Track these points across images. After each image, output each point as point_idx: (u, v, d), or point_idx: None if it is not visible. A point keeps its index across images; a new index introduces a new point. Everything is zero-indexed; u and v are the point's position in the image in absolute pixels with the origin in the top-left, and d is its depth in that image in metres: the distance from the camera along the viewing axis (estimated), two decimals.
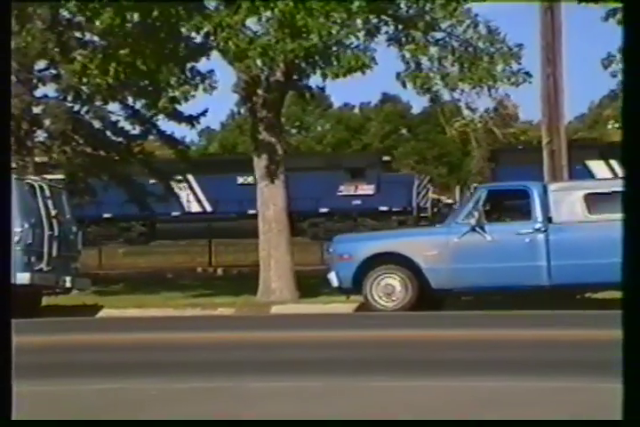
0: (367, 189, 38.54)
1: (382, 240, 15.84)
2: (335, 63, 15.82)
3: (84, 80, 16.89)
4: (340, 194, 36.21)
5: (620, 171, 37.05)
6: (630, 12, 2.79)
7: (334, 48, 15.82)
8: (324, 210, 37.32)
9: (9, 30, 3.02)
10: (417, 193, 38.63)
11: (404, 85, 17.06)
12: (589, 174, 37.06)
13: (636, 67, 2.72)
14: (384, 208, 36.62)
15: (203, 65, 18.08)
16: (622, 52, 2.81)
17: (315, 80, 18.09)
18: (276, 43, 15.25)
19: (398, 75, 17.09)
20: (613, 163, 37.30)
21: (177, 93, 17.08)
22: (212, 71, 17.75)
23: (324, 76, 16.22)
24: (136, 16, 16.27)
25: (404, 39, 17.07)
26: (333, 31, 15.30)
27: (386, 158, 41.73)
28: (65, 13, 19.12)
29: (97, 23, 15.64)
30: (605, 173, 37.33)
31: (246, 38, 15.53)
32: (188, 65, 17.37)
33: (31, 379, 7.23)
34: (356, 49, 16.07)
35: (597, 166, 37.85)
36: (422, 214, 38.53)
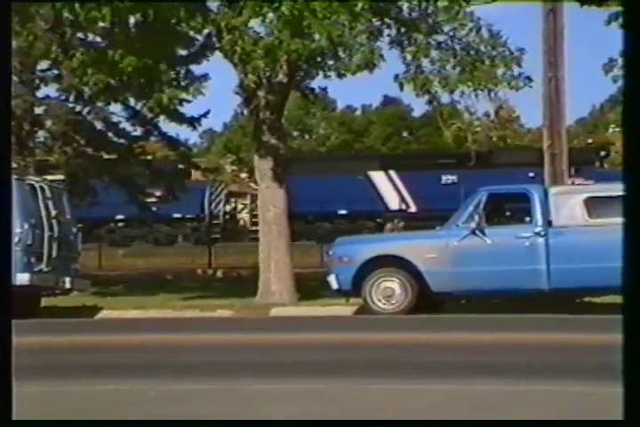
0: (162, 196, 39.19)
1: (382, 243, 15.84)
2: (344, 61, 15.82)
3: (82, 77, 16.93)
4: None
5: (397, 181, 37.81)
6: (631, 16, 2.79)
7: (339, 49, 15.82)
8: (120, 216, 37.84)
9: (9, 30, 3.02)
10: (210, 201, 39.79)
11: (401, 87, 17.07)
12: (371, 185, 37.73)
13: (638, 70, 2.72)
14: (178, 215, 37.03)
15: (203, 66, 18.18)
16: (623, 56, 2.81)
17: (317, 82, 18.13)
18: (279, 43, 15.24)
19: (396, 76, 17.10)
20: (392, 173, 38.01)
21: (165, 96, 17.10)
22: (206, 75, 17.82)
23: (338, 73, 16.18)
24: (135, 17, 16.31)
25: (405, 42, 17.08)
26: (338, 33, 15.30)
27: (181, 166, 42.62)
28: (67, 14, 19.11)
29: (98, 22, 15.65)
30: (385, 184, 37.83)
31: (250, 40, 15.54)
32: (184, 67, 17.42)
33: (30, 380, 7.23)
34: (363, 47, 16.04)
35: (377, 177, 38.26)
36: (215, 221, 40.07)
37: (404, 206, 37.89)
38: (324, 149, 61.73)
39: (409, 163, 39.15)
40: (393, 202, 38.09)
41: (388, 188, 38.18)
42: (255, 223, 40.29)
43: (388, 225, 37.23)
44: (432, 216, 32.31)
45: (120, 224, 39.08)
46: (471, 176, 34.60)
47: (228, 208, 41.16)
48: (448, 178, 36.97)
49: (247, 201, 41.60)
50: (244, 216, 41.62)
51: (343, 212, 37.62)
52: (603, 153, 38.81)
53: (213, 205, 40.19)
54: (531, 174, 31.63)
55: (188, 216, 38.60)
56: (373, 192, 37.92)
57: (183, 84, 17.73)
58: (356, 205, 36.91)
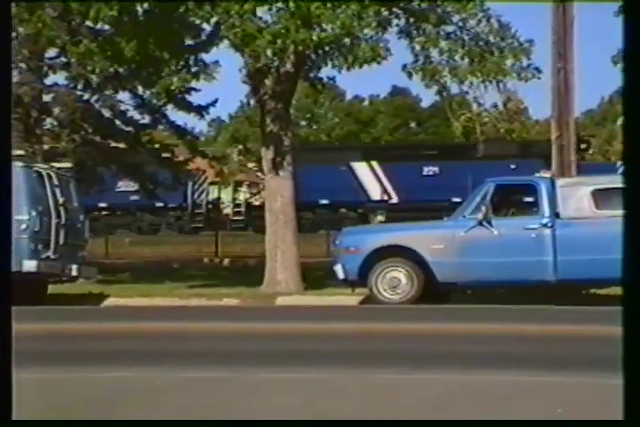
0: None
1: (389, 233, 15.84)
2: (350, 54, 15.81)
3: (87, 65, 16.93)
4: (119, 190, 36.52)
5: (380, 171, 37.91)
6: (631, 11, 2.79)
7: (347, 40, 15.80)
8: (103, 205, 37.87)
9: (9, 30, 3.03)
10: (193, 191, 39.85)
11: (409, 76, 17.05)
12: (353, 175, 37.84)
13: (638, 65, 2.71)
14: (160, 204, 36.69)
15: (211, 55, 18.13)
16: (623, 51, 2.81)
17: (325, 71, 18.07)
18: (286, 31, 15.21)
19: (404, 66, 17.08)
20: (375, 164, 38.12)
21: (176, 81, 17.07)
22: (216, 62, 17.76)
23: (340, 67, 16.18)
24: (143, 6, 16.32)
25: (414, 32, 17.04)
26: (346, 23, 15.27)
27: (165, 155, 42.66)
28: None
29: (104, 13, 15.68)
30: (368, 175, 37.94)
31: (254, 26, 15.51)
32: (193, 56, 17.39)
33: (36, 367, 7.26)
34: (370, 40, 16.04)
35: (360, 167, 38.34)
36: (197, 211, 40.22)
37: (385, 197, 38.05)
38: (329, 139, 61.63)
39: (391, 154, 39.37)
40: (375, 193, 38.27)
41: (371, 178, 38.38)
42: (237, 213, 40.64)
43: (373, 217, 37.41)
44: (413, 207, 32.64)
45: (103, 213, 39.06)
46: (452, 168, 34.88)
47: (211, 198, 41.19)
48: (430, 169, 37.22)
49: (228, 189, 41.70)
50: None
51: (325, 201, 37.78)
52: (582, 146, 39.00)
53: (196, 194, 40.28)
54: (512, 166, 31.94)
55: (171, 205, 38.68)
56: (355, 183, 38.09)
57: (193, 70, 17.67)
58: (337, 196, 37.10)
